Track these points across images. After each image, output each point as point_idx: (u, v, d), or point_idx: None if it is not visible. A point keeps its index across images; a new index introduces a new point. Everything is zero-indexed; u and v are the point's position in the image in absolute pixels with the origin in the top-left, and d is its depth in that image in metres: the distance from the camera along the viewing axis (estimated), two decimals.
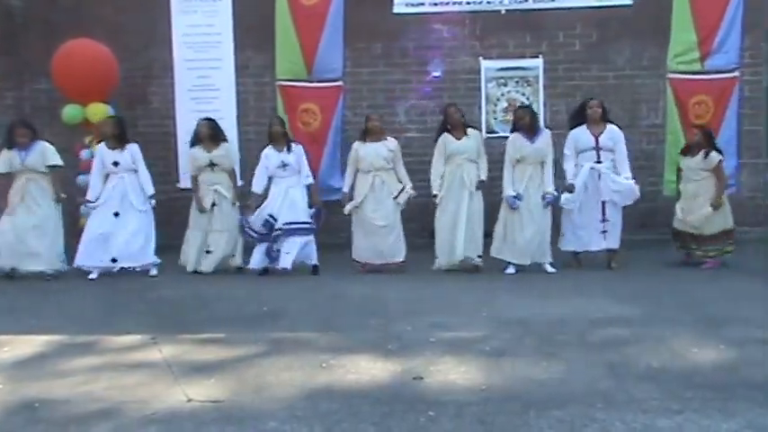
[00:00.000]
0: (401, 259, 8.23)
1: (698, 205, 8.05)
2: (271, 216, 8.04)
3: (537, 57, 9.83)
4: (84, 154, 9.04)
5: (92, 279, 8.08)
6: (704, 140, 8.11)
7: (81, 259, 8.12)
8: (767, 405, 3.90)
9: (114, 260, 8.12)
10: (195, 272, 8.27)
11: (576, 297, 6.72)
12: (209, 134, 8.36)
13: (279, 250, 8.02)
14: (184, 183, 9.15)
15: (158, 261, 8.30)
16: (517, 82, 9.86)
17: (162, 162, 9.51)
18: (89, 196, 8.24)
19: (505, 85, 9.88)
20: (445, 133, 8.13)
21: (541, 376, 4.51)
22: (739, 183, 8.95)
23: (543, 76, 9.80)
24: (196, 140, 8.42)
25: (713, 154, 8.02)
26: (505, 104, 9.79)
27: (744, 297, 6.65)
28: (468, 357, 4.90)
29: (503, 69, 9.87)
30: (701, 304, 6.36)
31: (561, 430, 3.70)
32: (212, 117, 8.60)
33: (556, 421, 3.78)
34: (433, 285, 7.51)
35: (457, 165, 8.04)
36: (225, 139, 8.51)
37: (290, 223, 8.04)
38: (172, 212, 8.79)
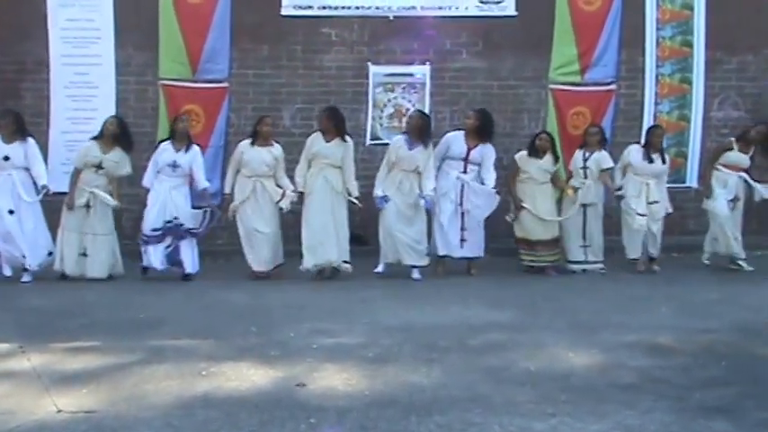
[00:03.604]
0: (280, 262, 8.20)
1: (545, 208, 8.41)
2: (172, 220, 7.89)
3: (424, 64, 9.94)
4: None
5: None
6: (551, 145, 8.54)
7: None
8: (635, 406, 4.06)
9: (24, 256, 7.82)
10: (66, 276, 7.96)
11: (454, 303, 6.82)
12: (116, 134, 8.03)
13: (179, 251, 7.91)
14: (54, 186, 8.59)
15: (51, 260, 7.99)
16: (404, 88, 9.93)
17: None
18: None
19: (392, 90, 9.94)
20: (317, 133, 8.13)
21: (422, 381, 4.55)
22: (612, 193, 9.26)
23: (430, 83, 9.91)
24: (98, 135, 8.06)
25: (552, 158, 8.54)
26: (392, 110, 9.85)
27: (615, 303, 6.92)
28: (351, 364, 4.90)
29: (390, 75, 9.93)
30: (576, 310, 6.59)
31: None
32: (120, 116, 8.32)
33: (435, 426, 3.82)
34: (315, 292, 7.50)
35: (319, 167, 8.00)
36: (125, 147, 8.12)
37: (180, 226, 7.92)
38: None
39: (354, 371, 4.75)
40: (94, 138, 8.07)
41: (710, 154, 8.96)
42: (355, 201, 8.04)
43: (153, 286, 7.73)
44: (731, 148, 8.55)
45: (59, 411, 4.05)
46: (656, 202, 8.46)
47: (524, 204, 8.36)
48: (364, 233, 8.57)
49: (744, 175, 8.50)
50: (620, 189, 8.48)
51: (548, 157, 8.50)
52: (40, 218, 7.98)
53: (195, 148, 8.17)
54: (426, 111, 9.48)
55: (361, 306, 6.76)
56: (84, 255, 7.98)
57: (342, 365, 4.85)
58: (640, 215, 8.37)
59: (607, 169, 8.56)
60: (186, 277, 7.97)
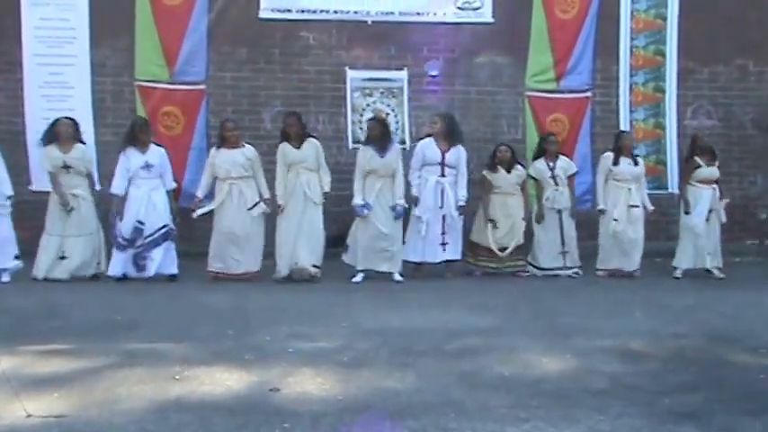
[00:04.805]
0: (256, 269, 8.18)
1: (513, 219, 8.54)
2: (140, 222, 7.83)
3: (401, 69, 9.96)
4: None
5: None
6: (512, 155, 8.68)
7: None
8: (606, 411, 4.10)
9: None
10: (46, 279, 7.90)
11: (434, 307, 6.86)
12: (71, 134, 8.01)
13: (146, 257, 7.86)
14: (37, 185, 8.62)
15: (20, 265, 7.92)
16: (382, 93, 9.95)
17: (10, 163, 8.97)
18: None
19: (371, 95, 9.95)
20: (284, 142, 8.14)
21: (397, 386, 4.55)
22: (593, 199, 9.35)
23: (408, 89, 9.93)
24: (51, 138, 8.01)
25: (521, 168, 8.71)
26: (371, 115, 9.85)
27: (593, 308, 6.99)
28: (326, 368, 4.89)
29: (368, 80, 9.94)
30: (554, 315, 6.63)
31: None
32: (71, 116, 8.23)
33: (409, 431, 3.83)
34: (298, 294, 7.49)
35: (296, 173, 8.04)
36: (83, 141, 8.20)
37: (159, 229, 7.89)
38: (23, 217, 8.29)
39: (329, 375, 4.74)
40: (48, 142, 8.01)
41: (683, 170, 8.99)
42: (324, 196, 8.12)
43: (133, 287, 7.70)
44: (699, 166, 8.62)
45: (29, 416, 3.99)
46: (637, 206, 8.56)
47: (492, 219, 8.48)
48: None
49: (716, 187, 8.61)
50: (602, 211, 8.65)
51: (517, 168, 8.60)
52: (7, 223, 7.91)
53: (161, 148, 8.18)
54: (405, 116, 9.56)
55: (342, 309, 6.76)
56: (63, 258, 7.94)
57: (317, 370, 4.84)
58: (615, 220, 8.47)
59: (573, 174, 8.79)
60: (172, 278, 8.00)
